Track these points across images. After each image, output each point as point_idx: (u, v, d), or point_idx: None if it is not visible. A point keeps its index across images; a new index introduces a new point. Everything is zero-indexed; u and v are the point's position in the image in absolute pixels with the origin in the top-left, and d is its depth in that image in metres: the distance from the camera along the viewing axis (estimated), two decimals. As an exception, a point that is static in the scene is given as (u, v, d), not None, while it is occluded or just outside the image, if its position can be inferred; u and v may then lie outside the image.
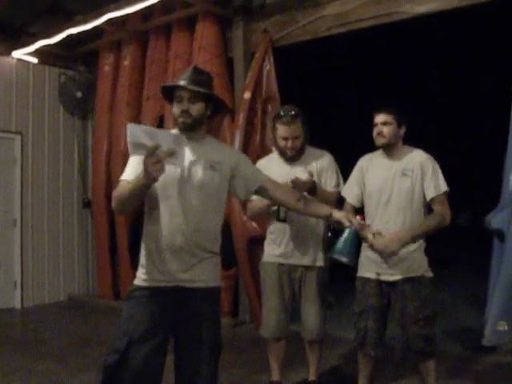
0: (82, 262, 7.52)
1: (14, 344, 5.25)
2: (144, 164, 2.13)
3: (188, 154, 2.49)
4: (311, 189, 3.38)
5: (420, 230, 3.26)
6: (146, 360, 2.42)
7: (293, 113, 3.52)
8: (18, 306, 6.79)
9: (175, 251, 2.50)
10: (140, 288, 2.55)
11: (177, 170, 2.49)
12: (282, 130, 3.55)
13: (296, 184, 3.30)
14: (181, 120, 2.53)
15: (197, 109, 2.52)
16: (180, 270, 2.51)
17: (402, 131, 3.38)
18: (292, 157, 3.61)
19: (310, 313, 3.60)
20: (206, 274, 2.57)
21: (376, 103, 3.43)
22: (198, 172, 2.52)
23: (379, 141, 3.37)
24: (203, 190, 2.52)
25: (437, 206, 3.29)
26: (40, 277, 7.03)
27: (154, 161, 2.11)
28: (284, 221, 3.50)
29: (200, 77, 2.58)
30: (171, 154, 2.16)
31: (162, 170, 2.14)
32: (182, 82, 2.55)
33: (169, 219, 2.51)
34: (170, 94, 2.63)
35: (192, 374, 2.53)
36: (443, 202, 3.30)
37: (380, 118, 3.35)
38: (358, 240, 2.78)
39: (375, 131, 3.38)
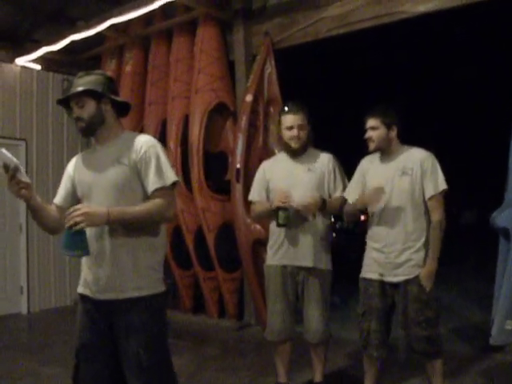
0: (87, 267, 7.53)
1: (21, 349, 5.26)
2: None
3: (94, 158, 2.54)
4: (321, 208, 3.50)
5: (436, 250, 3.25)
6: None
7: (297, 104, 3.59)
8: (24, 311, 6.81)
9: (96, 259, 2.45)
10: None
11: (85, 178, 2.51)
12: (287, 119, 3.58)
13: (307, 209, 3.43)
14: (78, 127, 2.51)
15: (87, 110, 2.46)
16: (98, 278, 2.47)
17: (393, 133, 3.38)
18: (296, 150, 3.59)
19: (313, 316, 3.58)
20: (124, 282, 2.43)
21: (372, 107, 3.45)
22: (105, 173, 2.46)
23: (370, 146, 3.40)
24: (113, 189, 2.43)
25: (432, 211, 3.28)
26: (46, 282, 7.05)
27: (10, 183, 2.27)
28: (284, 225, 3.47)
29: (84, 79, 2.50)
30: (16, 170, 2.24)
31: (13, 186, 2.27)
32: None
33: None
34: None
35: None
36: (439, 203, 3.28)
37: (368, 123, 3.37)
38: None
39: (365, 136, 3.40)
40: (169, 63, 6.26)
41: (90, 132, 2.53)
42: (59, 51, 6.69)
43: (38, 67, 7.06)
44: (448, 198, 3.35)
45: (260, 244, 5.19)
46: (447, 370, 3.56)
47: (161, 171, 2.43)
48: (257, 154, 5.52)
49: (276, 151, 5.22)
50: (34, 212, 2.48)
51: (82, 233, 2.27)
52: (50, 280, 7.10)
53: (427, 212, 3.31)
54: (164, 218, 2.48)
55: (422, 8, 4.72)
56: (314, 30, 5.39)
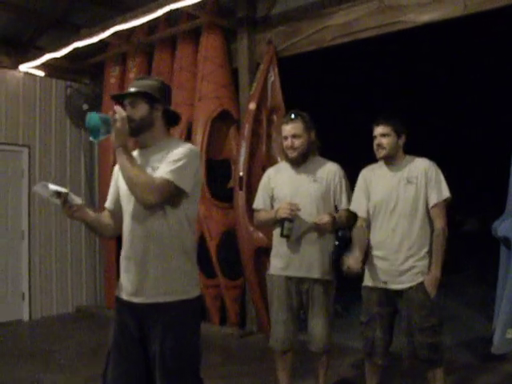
0: (89, 274, 7.54)
1: (23, 355, 5.26)
2: None
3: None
4: (332, 225, 3.49)
5: (439, 257, 3.26)
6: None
7: (294, 113, 3.58)
8: (26, 317, 6.81)
9: (129, 263, 2.52)
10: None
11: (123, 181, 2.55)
12: (283, 129, 3.60)
13: (321, 228, 3.43)
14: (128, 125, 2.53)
15: (139, 111, 2.53)
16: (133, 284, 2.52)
17: (402, 141, 3.41)
18: (294, 159, 3.58)
19: (317, 325, 3.57)
20: (155, 287, 2.47)
21: (376, 115, 3.45)
22: None
23: (380, 153, 3.40)
24: None
25: (435, 219, 3.29)
26: (48, 288, 7.05)
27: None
28: (287, 237, 3.45)
29: (142, 82, 2.61)
30: (66, 195, 2.56)
31: (66, 210, 2.58)
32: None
33: (126, 231, 2.57)
34: None
35: None
36: (442, 211, 3.31)
37: (379, 130, 3.38)
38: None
39: (375, 143, 3.41)
40: (172, 71, 6.29)
41: (137, 133, 2.58)
42: (62, 58, 6.72)
43: (41, 74, 7.09)
44: (451, 206, 3.37)
45: (262, 252, 5.19)
46: (448, 379, 3.56)
47: (178, 170, 2.43)
48: (259, 161, 5.54)
49: (279, 159, 5.22)
50: (89, 226, 2.66)
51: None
52: (52, 287, 7.10)
53: (431, 220, 3.33)
54: (141, 194, 2.41)
55: (425, 18, 4.74)
56: (318, 39, 5.41)
